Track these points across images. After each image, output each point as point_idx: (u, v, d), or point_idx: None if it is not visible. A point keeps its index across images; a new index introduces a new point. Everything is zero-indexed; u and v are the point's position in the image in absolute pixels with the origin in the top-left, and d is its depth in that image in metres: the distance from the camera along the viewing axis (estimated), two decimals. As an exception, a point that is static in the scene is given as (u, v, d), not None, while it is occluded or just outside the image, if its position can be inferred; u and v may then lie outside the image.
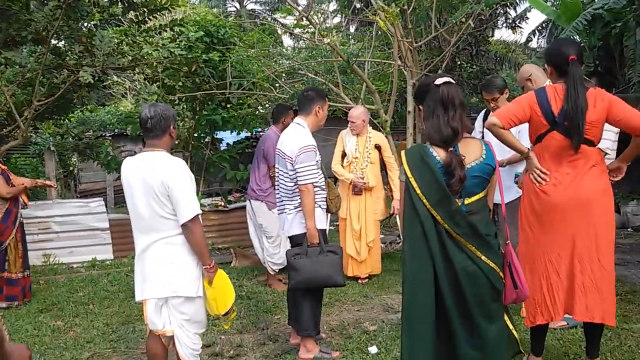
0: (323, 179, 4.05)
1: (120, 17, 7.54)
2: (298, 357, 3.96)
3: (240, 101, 8.41)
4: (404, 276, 2.73)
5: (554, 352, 3.82)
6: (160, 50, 6.96)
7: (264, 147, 5.78)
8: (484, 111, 5.15)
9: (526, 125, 3.35)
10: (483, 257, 2.63)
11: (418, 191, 2.63)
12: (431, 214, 2.62)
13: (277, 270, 5.87)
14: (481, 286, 2.63)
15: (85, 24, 7.20)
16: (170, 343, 3.29)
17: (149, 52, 6.91)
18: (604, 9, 8.27)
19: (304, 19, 7.18)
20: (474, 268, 2.62)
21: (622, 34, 8.41)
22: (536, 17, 25.40)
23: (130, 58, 7.15)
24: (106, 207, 8.18)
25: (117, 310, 5.27)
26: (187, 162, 3.25)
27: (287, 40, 21.87)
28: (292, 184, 3.93)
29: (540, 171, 3.25)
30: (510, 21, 16.93)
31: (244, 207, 6.88)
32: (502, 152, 4.02)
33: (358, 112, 5.82)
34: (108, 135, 13.55)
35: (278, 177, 4.09)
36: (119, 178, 3.38)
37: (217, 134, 9.16)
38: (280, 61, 9.93)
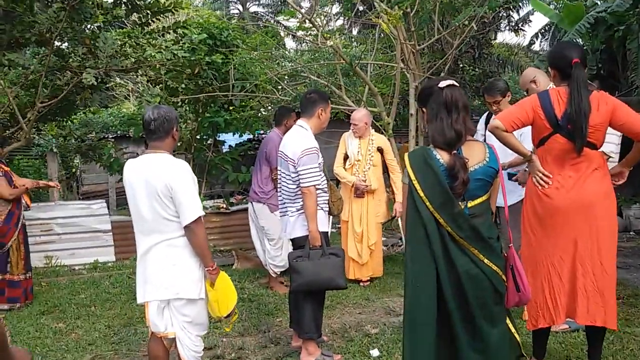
0: (325, 182, 4.04)
1: (123, 19, 7.56)
2: (300, 360, 3.96)
3: (243, 103, 8.42)
4: (406, 279, 2.73)
5: (556, 355, 3.81)
6: (164, 52, 6.98)
7: (266, 149, 5.78)
8: (486, 114, 5.15)
9: (528, 128, 3.35)
10: (486, 260, 2.63)
11: (421, 194, 2.63)
12: (434, 216, 2.62)
13: (278, 273, 5.87)
14: (484, 289, 2.63)
15: (89, 26, 7.22)
16: (172, 345, 3.28)
17: (152, 54, 6.92)
18: (607, 12, 8.28)
19: (307, 21, 7.19)
20: (476, 271, 2.61)
21: (625, 37, 8.41)
22: (539, 20, 25.48)
23: (133, 60, 7.16)
24: (108, 209, 8.19)
25: (119, 313, 5.27)
26: (189, 164, 3.25)
27: (289, 43, 21.92)
28: (295, 187, 3.93)
29: (543, 174, 3.25)
30: (513, 24, 16.96)
31: (245, 210, 6.89)
32: (504, 155, 4.00)
33: (360, 115, 5.82)
34: (110, 137, 13.58)
35: (280, 179, 4.09)
36: (121, 180, 3.38)
37: (219, 136, 9.17)
38: (283, 63, 9.95)
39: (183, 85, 7.92)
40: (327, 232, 4.10)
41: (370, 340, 4.29)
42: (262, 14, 30.61)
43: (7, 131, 7.52)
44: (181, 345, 3.21)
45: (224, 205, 8.39)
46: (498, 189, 2.82)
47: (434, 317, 2.63)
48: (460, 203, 2.63)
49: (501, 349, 2.67)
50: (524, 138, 3.79)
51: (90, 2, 6.48)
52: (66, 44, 7.35)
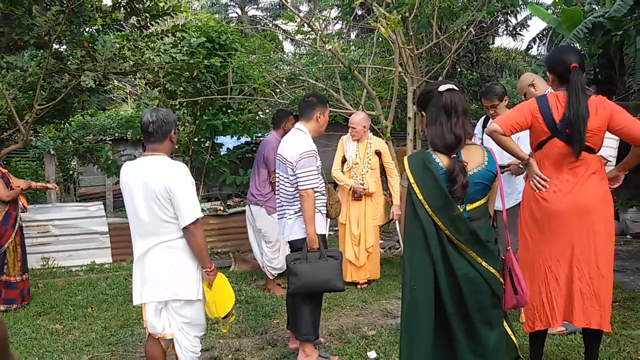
0: (323, 184, 4.05)
1: (122, 23, 7.56)
2: (297, 362, 3.96)
3: (241, 106, 8.42)
4: (404, 281, 2.73)
5: (553, 358, 3.82)
6: (162, 55, 6.97)
7: (264, 152, 5.79)
8: (483, 118, 5.17)
9: (525, 132, 3.37)
10: (484, 263, 2.63)
11: (420, 197, 2.64)
12: (433, 220, 2.62)
13: (276, 275, 5.88)
14: (482, 292, 2.64)
15: (88, 29, 7.21)
16: (169, 346, 3.29)
17: (151, 57, 6.92)
18: (604, 17, 8.32)
19: (306, 25, 7.21)
20: (475, 274, 2.62)
21: (623, 42, 8.46)
22: (537, 25, 25.60)
23: (132, 63, 7.16)
24: (105, 211, 8.18)
25: (116, 314, 5.26)
26: (187, 167, 3.26)
27: (288, 46, 21.95)
28: (293, 189, 3.94)
29: (541, 178, 3.26)
30: (511, 29, 17.00)
31: (243, 212, 6.89)
32: (501, 159, 4.03)
33: (359, 118, 5.83)
34: (108, 139, 13.56)
35: (278, 182, 4.10)
36: (118, 182, 3.38)
37: (217, 139, 9.17)
38: (281, 67, 9.96)
39: (181, 88, 7.93)
40: (325, 235, 4.11)
41: (368, 342, 4.30)
42: (261, 17, 30.65)
43: (5, 133, 7.51)
44: (179, 347, 3.22)
45: (221, 208, 8.40)
46: (496, 192, 2.83)
47: (431, 319, 2.63)
48: (459, 207, 2.64)
49: (498, 351, 2.68)
50: (521, 142, 3.81)
51: (89, 5, 6.49)
52: (65, 46, 7.34)
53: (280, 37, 12.17)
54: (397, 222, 6.19)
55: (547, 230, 3.26)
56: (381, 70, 8.92)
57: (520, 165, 3.99)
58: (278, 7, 29.53)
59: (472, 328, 2.63)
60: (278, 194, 4.13)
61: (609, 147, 3.73)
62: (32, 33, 6.33)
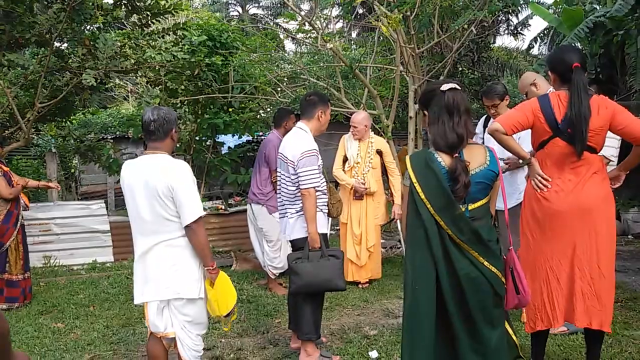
0: (325, 184, 4.05)
1: (123, 21, 7.56)
2: (298, 361, 3.96)
3: (242, 105, 8.42)
4: (405, 281, 2.73)
5: (554, 358, 3.82)
6: (163, 53, 6.97)
7: (265, 150, 5.79)
8: (484, 117, 5.16)
9: (527, 131, 3.37)
10: (486, 263, 2.63)
11: (422, 196, 2.64)
12: (435, 219, 2.62)
13: (277, 274, 5.88)
14: (484, 292, 2.64)
15: (89, 27, 7.22)
16: (171, 345, 3.29)
17: (152, 55, 6.92)
18: (605, 16, 8.32)
19: (307, 24, 7.20)
20: (476, 274, 2.62)
21: (624, 42, 8.45)
22: (538, 24, 25.53)
23: (133, 61, 7.16)
24: (107, 209, 8.19)
25: (118, 313, 5.27)
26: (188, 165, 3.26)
27: (289, 45, 21.94)
28: (294, 188, 3.93)
29: (542, 177, 3.26)
30: (512, 28, 16.98)
31: (244, 211, 6.89)
32: (501, 156, 4.02)
33: (360, 117, 5.83)
34: (109, 137, 13.58)
35: (280, 181, 4.10)
36: (120, 180, 3.38)
37: (218, 138, 9.17)
38: (283, 65, 9.95)
39: (182, 87, 7.92)
40: (327, 234, 4.11)
41: (369, 341, 4.30)
42: (262, 16, 30.63)
43: (6, 131, 7.51)
44: (182, 345, 3.22)
45: (222, 207, 8.40)
46: (498, 192, 2.83)
47: (433, 319, 2.64)
48: (461, 206, 2.64)
49: (500, 350, 2.69)
50: (522, 142, 3.81)
51: (90, 3, 6.48)
52: (66, 44, 7.35)
53: (282, 36, 12.16)
54: (398, 221, 6.18)
55: (549, 230, 3.26)
56: (382, 69, 8.91)
57: (520, 161, 3.98)
58: (279, 5, 29.51)
59: (474, 328, 2.63)
60: (279, 193, 4.13)
61: (611, 146, 3.72)
62: (33, 31, 6.33)
